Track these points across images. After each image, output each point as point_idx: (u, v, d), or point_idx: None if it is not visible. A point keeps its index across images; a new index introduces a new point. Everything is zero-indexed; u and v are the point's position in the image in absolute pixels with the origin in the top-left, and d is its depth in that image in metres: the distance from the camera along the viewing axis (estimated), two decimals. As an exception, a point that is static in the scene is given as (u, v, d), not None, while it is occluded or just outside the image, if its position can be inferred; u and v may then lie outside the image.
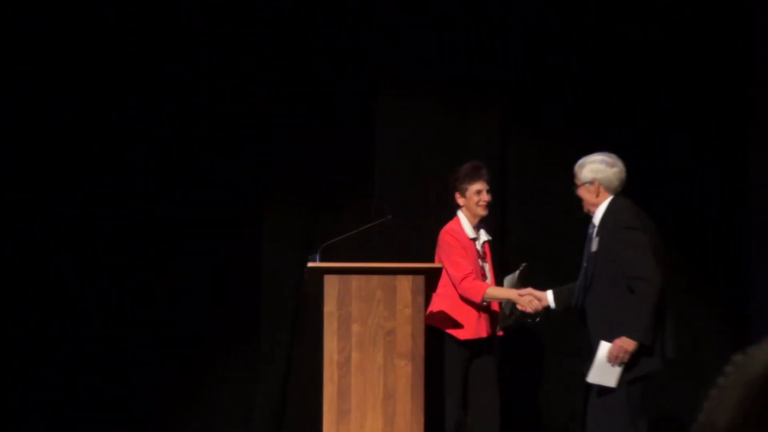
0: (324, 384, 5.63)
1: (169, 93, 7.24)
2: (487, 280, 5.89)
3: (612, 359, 4.73)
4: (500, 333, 5.87)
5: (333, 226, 6.49)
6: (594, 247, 4.97)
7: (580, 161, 5.11)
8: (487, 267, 5.96)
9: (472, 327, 5.69)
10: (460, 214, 5.84)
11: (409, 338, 5.57)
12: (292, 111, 6.88)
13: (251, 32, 7.11)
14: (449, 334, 5.66)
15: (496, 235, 6.44)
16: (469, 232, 5.82)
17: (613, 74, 6.89)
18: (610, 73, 6.88)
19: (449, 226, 5.91)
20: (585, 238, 5.28)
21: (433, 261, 5.75)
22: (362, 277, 5.65)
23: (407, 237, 6.51)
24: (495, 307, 5.83)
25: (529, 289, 5.43)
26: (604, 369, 4.83)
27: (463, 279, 5.62)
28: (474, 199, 5.75)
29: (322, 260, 5.76)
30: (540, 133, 7.04)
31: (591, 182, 5.05)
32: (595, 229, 4.99)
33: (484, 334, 5.69)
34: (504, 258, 6.72)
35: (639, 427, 5.02)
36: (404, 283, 5.61)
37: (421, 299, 5.58)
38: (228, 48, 7.18)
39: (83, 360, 6.98)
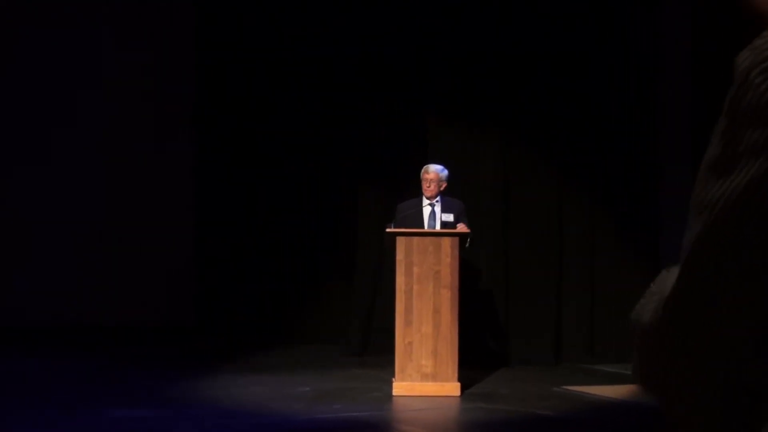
0: (396, 304, 7.65)
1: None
2: None
3: None
4: None
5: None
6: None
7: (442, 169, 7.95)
8: None
9: None
10: None
11: (449, 275, 7.56)
12: (387, 137, 9.81)
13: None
14: None
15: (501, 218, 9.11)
16: None
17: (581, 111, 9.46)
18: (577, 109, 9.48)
19: None
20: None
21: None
22: (420, 238, 7.67)
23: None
24: None
25: None
26: None
27: None
28: None
29: (396, 227, 7.86)
30: (525, 149, 9.66)
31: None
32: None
33: None
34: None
35: None
36: (446, 242, 7.64)
37: (456, 252, 7.58)
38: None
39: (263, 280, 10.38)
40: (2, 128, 11.92)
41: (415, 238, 7.71)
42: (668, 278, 1.01)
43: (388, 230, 7.84)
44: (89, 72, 12.03)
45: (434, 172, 8.10)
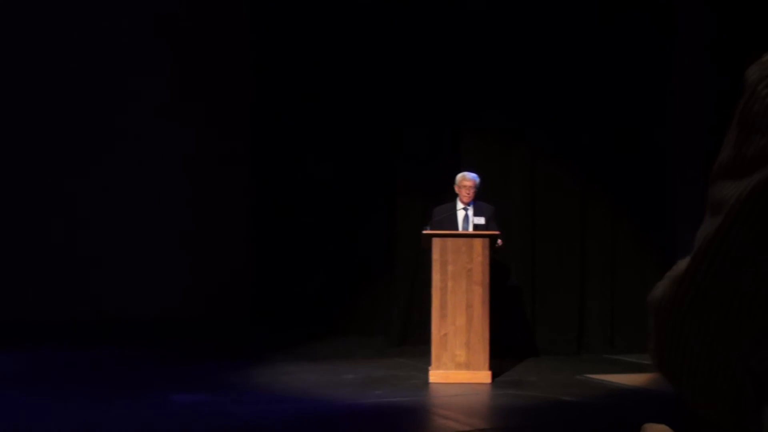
0: (432, 300, 7.99)
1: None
2: None
3: None
4: None
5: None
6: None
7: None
8: None
9: None
10: None
11: (480, 273, 7.91)
12: (422, 148, 10.16)
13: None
14: None
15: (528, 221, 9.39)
16: None
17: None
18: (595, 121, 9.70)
19: None
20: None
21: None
22: (454, 239, 8.02)
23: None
24: None
25: None
26: None
27: None
28: None
29: (432, 229, 8.21)
30: (548, 157, 9.95)
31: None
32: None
33: None
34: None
35: None
36: (478, 242, 8.01)
37: (487, 252, 7.91)
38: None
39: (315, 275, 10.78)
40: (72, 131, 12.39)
41: (450, 239, 8.05)
42: (681, 264, 1.04)
43: (425, 232, 8.18)
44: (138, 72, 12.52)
45: (471, 179, 8.50)
